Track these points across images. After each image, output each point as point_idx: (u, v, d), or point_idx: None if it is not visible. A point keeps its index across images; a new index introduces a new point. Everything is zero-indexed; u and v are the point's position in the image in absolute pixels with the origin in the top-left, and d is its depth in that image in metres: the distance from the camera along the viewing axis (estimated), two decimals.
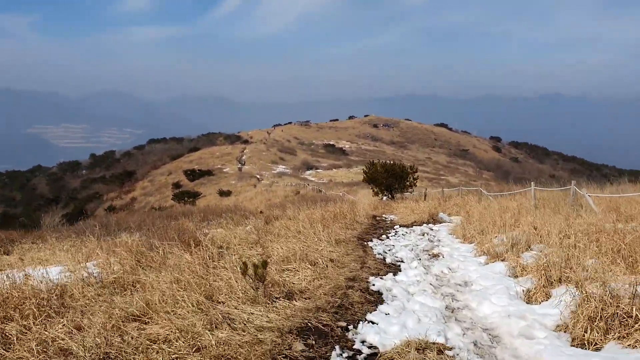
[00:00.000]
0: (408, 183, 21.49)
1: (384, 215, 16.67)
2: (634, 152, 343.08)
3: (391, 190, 21.71)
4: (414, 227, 12.58)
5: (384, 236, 10.68)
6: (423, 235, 10.85)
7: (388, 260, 7.91)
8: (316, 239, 8.28)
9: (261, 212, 15.52)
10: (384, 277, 6.58)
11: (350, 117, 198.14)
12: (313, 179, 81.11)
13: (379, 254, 8.41)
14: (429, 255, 8.45)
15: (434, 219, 13.66)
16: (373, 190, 22.17)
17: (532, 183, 13.07)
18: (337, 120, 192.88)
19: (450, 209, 15.95)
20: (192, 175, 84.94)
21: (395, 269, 7.27)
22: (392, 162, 22.05)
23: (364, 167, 22.60)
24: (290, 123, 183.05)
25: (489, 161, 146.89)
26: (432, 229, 12.01)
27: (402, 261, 7.82)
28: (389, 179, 21.00)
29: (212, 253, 6.48)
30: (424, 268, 7.15)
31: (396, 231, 11.81)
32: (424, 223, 13.31)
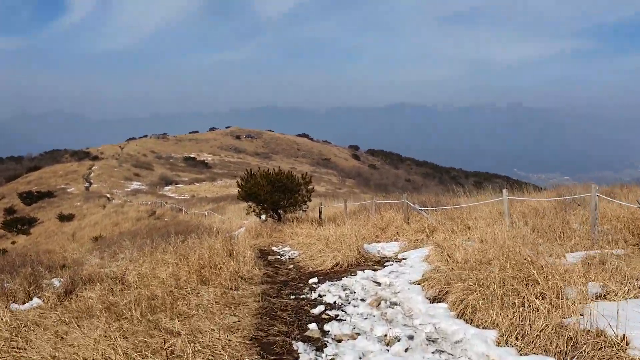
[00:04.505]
0: (300, 198, 16.20)
1: (274, 248, 11.40)
2: (474, 155, 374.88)
3: (278, 209, 16.21)
4: (344, 278, 7.28)
5: (312, 325, 5.09)
6: (385, 315, 5.50)
7: None
8: None
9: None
10: None
11: (212, 129, 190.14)
12: (173, 195, 74.11)
13: None
14: None
15: (364, 257, 8.63)
16: (254, 211, 16.38)
17: (504, 191, 8.61)
18: (197, 132, 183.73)
19: (368, 230, 11.17)
20: (29, 198, 73.82)
21: None
22: (277, 170, 16.47)
23: (239, 179, 16.63)
24: (145, 136, 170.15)
25: (350, 169, 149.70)
26: (381, 284, 6.81)
27: None
28: (275, 194, 15.49)
29: None
30: None
31: (320, 296, 6.44)
32: (352, 266, 8.14)
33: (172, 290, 5.77)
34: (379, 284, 6.90)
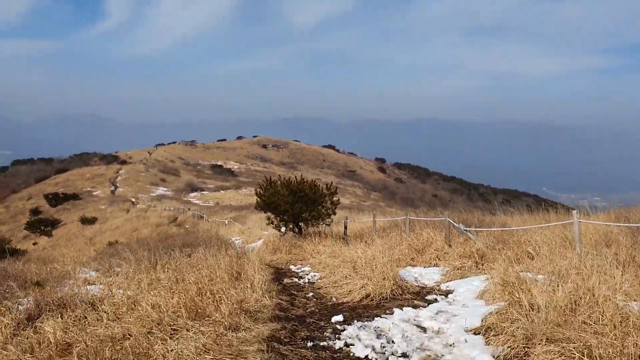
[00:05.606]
0: (324, 210, 14.88)
1: (292, 268, 9.96)
2: (500, 172, 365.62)
3: (299, 222, 14.87)
4: (377, 318, 5.70)
5: None
6: None
7: None
8: None
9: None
10: None
11: (239, 138, 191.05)
12: (198, 201, 73.67)
13: None
14: None
15: (401, 287, 7.12)
16: (272, 223, 14.76)
17: (574, 212, 6.95)
18: (225, 140, 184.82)
19: (401, 252, 9.62)
20: (55, 199, 74.68)
21: None
22: (300, 178, 14.88)
23: (257, 187, 15.05)
24: (174, 143, 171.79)
25: (375, 182, 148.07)
26: (427, 330, 5.22)
27: None
28: (296, 205, 13.89)
29: None
30: None
31: (347, 345, 4.84)
32: (386, 299, 6.56)
33: (152, 328, 4.39)
34: (424, 329, 5.29)
